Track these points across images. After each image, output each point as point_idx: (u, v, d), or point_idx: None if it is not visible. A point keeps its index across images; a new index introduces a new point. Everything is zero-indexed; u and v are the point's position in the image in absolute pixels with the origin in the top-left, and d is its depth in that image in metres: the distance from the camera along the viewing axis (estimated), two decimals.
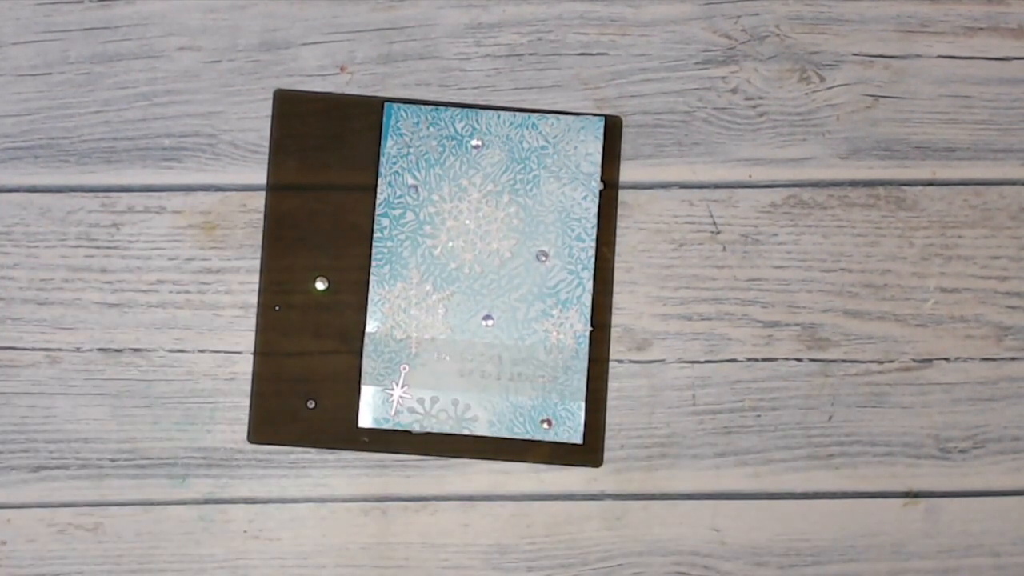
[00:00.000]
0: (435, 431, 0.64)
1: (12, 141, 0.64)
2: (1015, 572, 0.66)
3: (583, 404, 0.64)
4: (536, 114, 0.65)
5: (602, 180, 0.65)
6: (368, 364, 0.64)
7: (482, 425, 0.63)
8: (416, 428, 0.63)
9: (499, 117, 0.65)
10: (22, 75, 0.65)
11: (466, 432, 0.63)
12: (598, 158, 0.65)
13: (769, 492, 0.65)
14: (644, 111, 0.66)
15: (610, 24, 0.66)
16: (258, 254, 0.64)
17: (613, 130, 0.65)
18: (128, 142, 0.64)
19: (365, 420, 0.64)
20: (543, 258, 0.64)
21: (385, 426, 0.63)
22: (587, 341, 0.64)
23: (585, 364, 0.64)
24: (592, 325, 0.64)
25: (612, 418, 0.65)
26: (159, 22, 0.65)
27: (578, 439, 0.64)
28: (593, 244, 0.64)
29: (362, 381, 0.64)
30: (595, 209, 0.64)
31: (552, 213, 0.64)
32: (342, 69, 0.65)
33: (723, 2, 0.66)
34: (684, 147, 0.66)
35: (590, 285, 0.64)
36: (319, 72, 0.65)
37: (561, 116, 0.65)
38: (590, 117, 0.65)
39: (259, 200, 0.65)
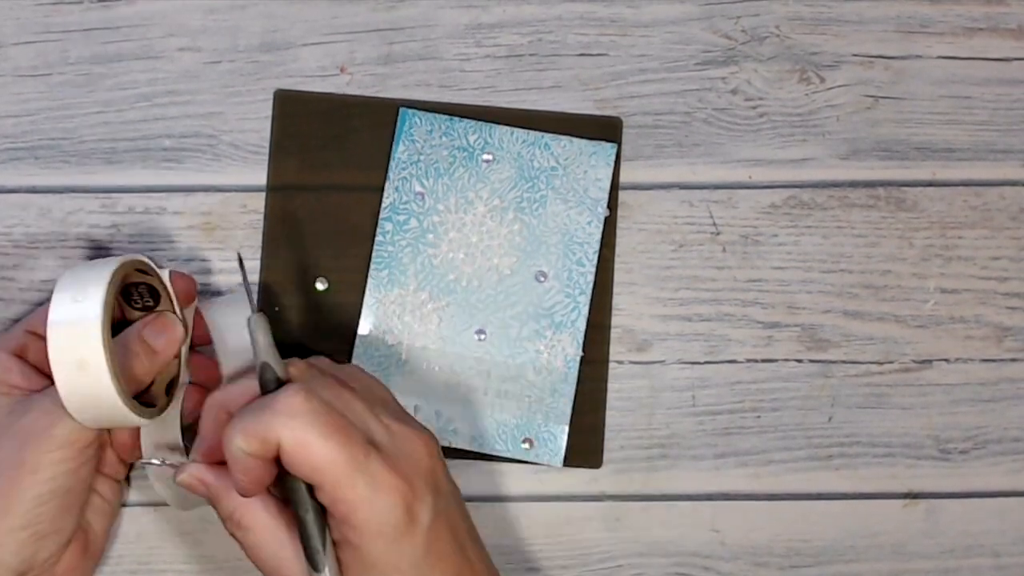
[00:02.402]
0: None
1: (12, 141, 0.64)
2: (1015, 572, 0.66)
3: (566, 428, 0.63)
4: (549, 134, 0.64)
5: (608, 206, 0.64)
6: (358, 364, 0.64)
7: (463, 439, 0.63)
8: None
9: (512, 133, 0.64)
10: (22, 75, 0.65)
11: (446, 444, 0.63)
12: (607, 184, 0.64)
13: (769, 493, 0.65)
14: (644, 112, 0.66)
15: (610, 25, 0.66)
16: (258, 254, 0.64)
17: (613, 131, 0.65)
18: (128, 143, 0.64)
19: None
20: (542, 278, 0.64)
21: None
22: (577, 366, 0.64)
23: (573, 389, 0.64)
24: (583, 351, 0.64)
25: (612, 419, 0.65)
26: (159, 23, 0.65)
27: (558, 463, 0.64)
28: (593, 270, 0.64)
29: None
30: (599, 236, 0.64)
31: (555, 235, 0.64)
32: (342, 70, 0.65)
33: (723, 2, 0.66)
34: (684, 148, 0.66)
35: (586, 310, 0.64)
36: (319, 72, 0.65)
37: (574, 139, 0.64)
38: (602, 143, 0.64)
39: (259, 201, 0.65)
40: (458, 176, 0.64)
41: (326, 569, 0.51)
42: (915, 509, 0.65)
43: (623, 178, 0.65)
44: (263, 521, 0.53)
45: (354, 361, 0.64)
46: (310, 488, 0.51)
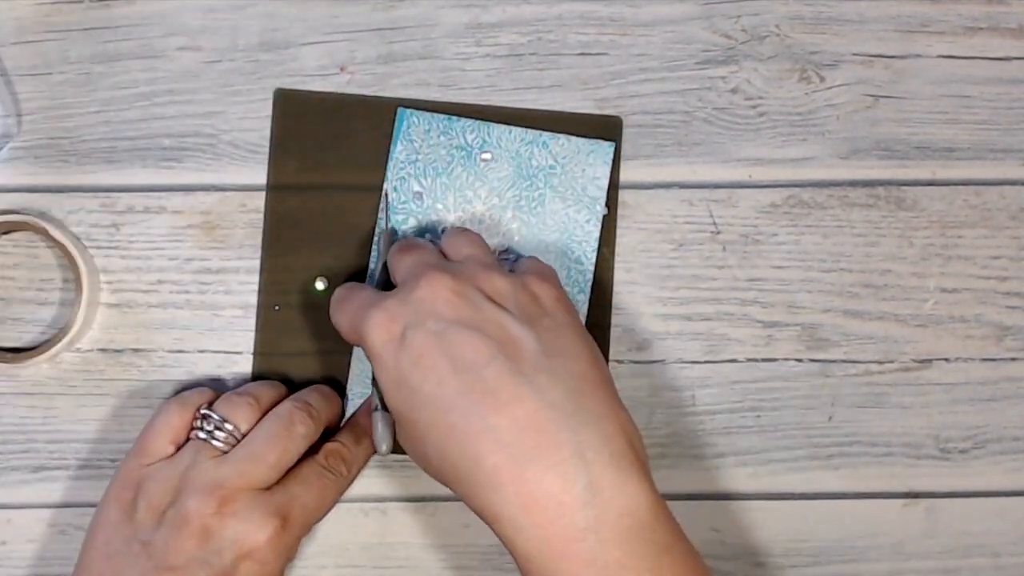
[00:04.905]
0: None
1: (12, 141, 0.64)
2: (1015, 572, 0.66)
3: None
4: (548, 133, 0.64)
5: (606, 205, 0.64)
6: (356, 366, 0.64)
7: None
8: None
9: (510, 132, 0.64)
10: (22, 75, 0.65)
11: None
12: (605, 183, 0.64)
13: (769, 492, 0.65)
14: (644, 111, 0.66)
15: (610, 24, 0.66)
16: (258, 254, 0.64)
17: (613, 130, 0.65)
18: (128, 142, 0.64)
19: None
20: None
21: None
22: None
23: None
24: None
25: None
26: (159, 22, 0.65)
27: None
28: (591, 268, 0.64)
29: (348, 381, 0.63)
30: (597, 234, 0.64)
31: (554, 233, 0.64)
32: (342, 69, 0.65)
33: (723, 2, 0.66)
34: (684, 147, 0.66)
35: (585, 310, 0.64)
36: (319, 72, 0.65)
37: (572, 138, 0.64)
38: (600, 142, 0.64)
39: (259, 200, 0.65)
40: (456, 175, 0.64)
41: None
42: (915, 509, 0.65)
43: (623, 177, 0.65)
44: None
45: (354, 362, 0.64)
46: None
